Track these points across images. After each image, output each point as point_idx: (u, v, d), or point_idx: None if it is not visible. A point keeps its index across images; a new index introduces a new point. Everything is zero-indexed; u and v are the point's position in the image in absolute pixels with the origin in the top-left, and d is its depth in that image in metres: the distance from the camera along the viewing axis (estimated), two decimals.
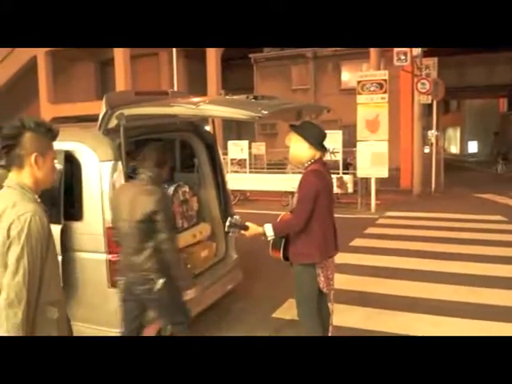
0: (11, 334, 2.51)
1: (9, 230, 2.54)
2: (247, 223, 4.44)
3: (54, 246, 2.79)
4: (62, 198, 4.75)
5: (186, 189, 6.04)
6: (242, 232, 4.42)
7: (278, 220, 4.61)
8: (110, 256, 4.66)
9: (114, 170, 4.68)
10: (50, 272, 2.70)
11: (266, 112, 4.09)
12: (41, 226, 2.60)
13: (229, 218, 4.40)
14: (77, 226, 4.81)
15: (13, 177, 2.71)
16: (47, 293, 2.69)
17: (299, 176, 4.58)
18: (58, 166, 4.85)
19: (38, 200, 2.75)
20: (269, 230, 4.40)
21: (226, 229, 4.41)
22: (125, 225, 4.17)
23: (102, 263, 4.70)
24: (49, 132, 2.74)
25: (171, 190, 5.76)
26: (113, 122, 4.72)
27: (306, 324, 4.66)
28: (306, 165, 4.53)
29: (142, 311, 4.36)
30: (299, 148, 4.49)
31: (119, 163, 4.73)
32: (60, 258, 4.61)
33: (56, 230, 4.62)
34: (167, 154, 4.57)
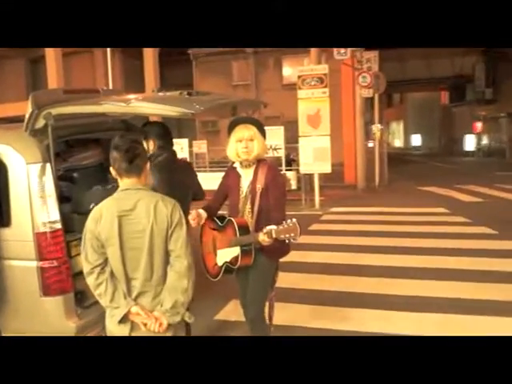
0: (190, 291, 3.49)
1: (171, 216, 3.39)
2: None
3: None
4: None
5: None
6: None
7: (238, 222, 4.42)
8: (41, 263, 4.49)
9: (43, 172, 4.52)
10: None
11: (200, 108, 4.03)
12: None
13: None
14: (4, 232, 4.61)
15: (135, 182, 3.45)
16: None
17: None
18: None
19: None
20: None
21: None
22: None
23: (32, 271, 4.51)
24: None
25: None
26: (40, 122, 4.55)
27: (260, 323, 4.62)
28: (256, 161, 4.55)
29: None
30: (263, 143, 4.56)
31: (48, 165, 4.57)
32: None
33: None
34: None
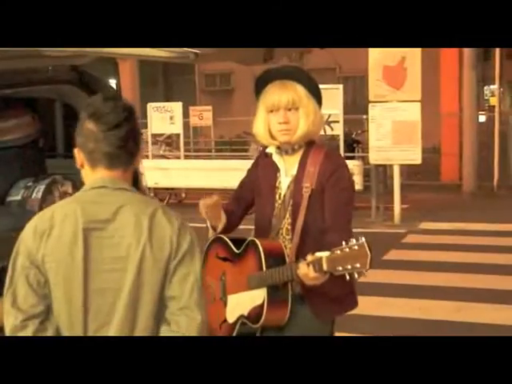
0: None
1: (178, 238, 2.50)
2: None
3: None
4: None
5: (68, 187, 4.69)
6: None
7: (266, 246, 3.19)
8: None
9: None
10: None
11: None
12: None
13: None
14: None
15: (117, 177, 2.58)
16: None
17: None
18: None
19: None
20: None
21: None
22: None
23: None
24: None
25: (41, 188, 4.51)
26: None
27: None
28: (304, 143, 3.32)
29: None
30: (317, 113, 3.30)
31: None
32: None
33: None
34: None
